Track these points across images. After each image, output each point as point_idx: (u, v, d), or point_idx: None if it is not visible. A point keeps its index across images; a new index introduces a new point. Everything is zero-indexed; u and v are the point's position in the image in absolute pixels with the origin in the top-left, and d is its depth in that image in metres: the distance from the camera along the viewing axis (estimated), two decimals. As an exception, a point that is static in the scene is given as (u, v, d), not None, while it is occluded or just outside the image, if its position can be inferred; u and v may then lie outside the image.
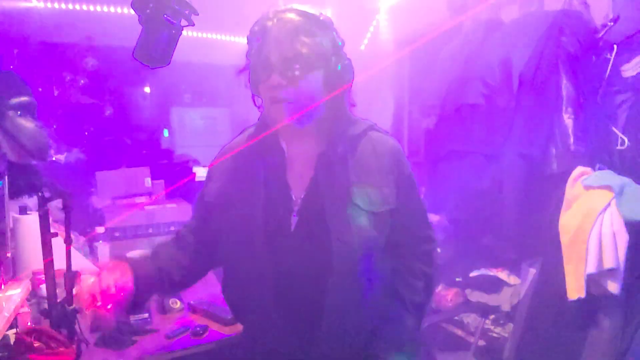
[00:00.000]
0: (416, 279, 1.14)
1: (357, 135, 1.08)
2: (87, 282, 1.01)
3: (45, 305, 1.41)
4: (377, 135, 1.11)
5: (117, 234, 2.48)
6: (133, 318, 1.61)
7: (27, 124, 1.88)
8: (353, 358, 1.08)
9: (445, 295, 2.38)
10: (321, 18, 1.03)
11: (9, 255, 1.63)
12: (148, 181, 2.97)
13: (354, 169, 1.04)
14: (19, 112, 1.87)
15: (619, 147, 1.84)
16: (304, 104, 1.01)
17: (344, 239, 1.00)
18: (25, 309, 1.47)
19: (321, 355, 1.05)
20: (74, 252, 1.50)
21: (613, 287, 1.62)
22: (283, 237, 1.04)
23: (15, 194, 1.81)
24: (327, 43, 1.02)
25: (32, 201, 1.84)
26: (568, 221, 1.78)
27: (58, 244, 1.38)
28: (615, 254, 1.62)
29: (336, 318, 1.02)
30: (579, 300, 1.68)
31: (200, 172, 3.16)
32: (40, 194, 1.35)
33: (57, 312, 1.34)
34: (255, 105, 1.12)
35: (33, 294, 1.62)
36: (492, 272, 2.29)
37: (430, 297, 1.19)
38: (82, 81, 3.79)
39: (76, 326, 1.37)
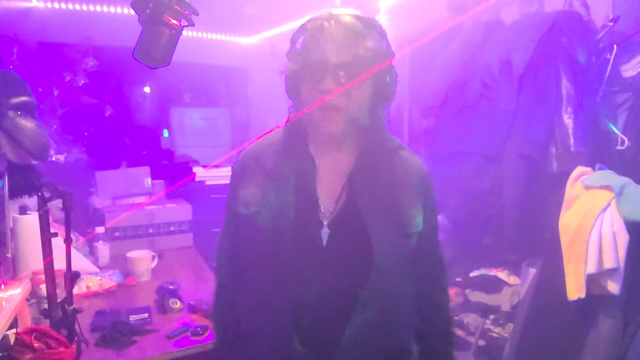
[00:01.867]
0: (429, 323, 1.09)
1: (390, 152, 1.04)
2: None
3: (45, 305, 1.41)
4: (407, 154, 1.07)
5: (117, 234, 2.48)
6: (133, 318, 1.61)
7: (27, 124, 1.88)
8: None
9: (445, 295, 2.38)
10: (377, 25, 0.98)
11: (9, 255, 1.63)
12: (148, 181, 2.97)
13: (387, 186, 1.00)
14: (19, 112, 1.86)
15: (619, 147, 1.84)
16: (353, 113, 0.96)
17: (385, 255, 0.96)
18: (25, 309, 1.47)
19: None
20: (74, 252, 1.50)
21: (613, 287, 1.62)
22: (314, 252, 0.98)
23: (15, 194, 1.81)
24: (382, 51, 0.97)
25: (32, 201, 1.83)
26: (568, 221, 1.78)
27: (58, 244, 1.38)
28: (615, 254, 1.62)
29: (358, 338, 0.96)
30: (579, 300, 1.68)
31: (200, 172, 3.16)
32: (40, 194, 1.35)
33: (57, 312, 1.34)
34: (291, 110, 1.06)
35: (33, 294, 1.62)
36: (492, 272, 2.29)
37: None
38: (82, 81, 3.79)
39: (76, 326, 1.37)
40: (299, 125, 1.03)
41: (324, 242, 0.98)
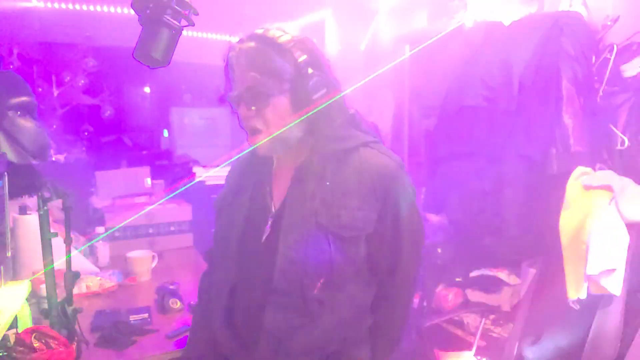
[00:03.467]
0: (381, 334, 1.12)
1: (344, 151, 1.04)
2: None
3: (45, 305, 1.41)
4: (370, 153, 1.05)
5: (117, 234, 2.48)
6: (133, 318, 1.61)
7: (27, 124, 1.87)
8: None
9: (445, 295, 2.38)
10: (280, 40, 1.01)
11: (9, 255, 1.63)
12: (148, 181, 2.97)
13: (330, 186, 1.00)
14: (19, 112, 1.86)
15: (619, 147, 1.84)
16: (274, 130, 1.02)
17: (291, 258, 0.98)
18: (25, 309, 1.47)
19: None
20: (74, 252, 1.50)
21: (613, 287, 1.62)
22: (254, 247, 1.06)
23: (15, 194, 1.80)
24: (286, 66, 1.00)
25: (32, 201, 1.83)
26: (568, 221, 1.78)
27: (58, 244, 1.38)
28: (615, 254, 1.62)
29: (273, 339, 1.00)
30: (579, 300, 1.68)
31: (200, 172, 3.16)
32: (40, 194, 1.35)
33: (57, 312, 1.34)
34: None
35: (33, 294, 1.62)
36: (492, 272, 2.29)
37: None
38: (82, 81, 3.80)
39: (76, 326, 1.37)
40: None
41: (263, 239, 1.05)
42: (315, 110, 1.03)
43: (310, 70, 1.01)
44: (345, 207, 0.99)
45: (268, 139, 1.03)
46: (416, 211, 1.09)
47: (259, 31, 1.03)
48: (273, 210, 1.07)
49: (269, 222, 1.06)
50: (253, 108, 1.01)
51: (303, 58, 1.01)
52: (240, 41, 1.04)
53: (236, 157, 1.25)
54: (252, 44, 1.02)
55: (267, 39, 1.02)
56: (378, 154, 1.06)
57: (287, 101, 1.02)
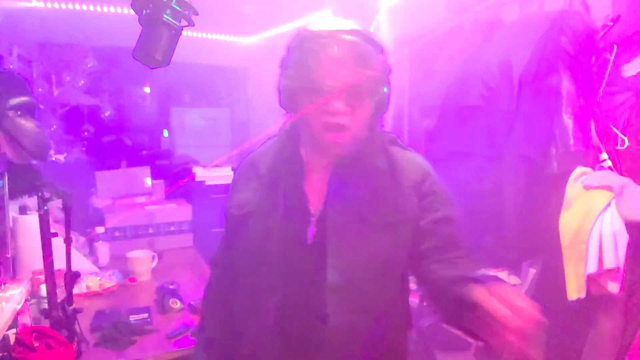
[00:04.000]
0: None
1: (377, 148, 1.05)
2: None
3: (45, 305, 1.41)
4: (395, 150, 1.08)
5: (117, 234, 2.49)
6: (133, 318, 1.61)
7: (27, 124, 1.88)
8: None
9: (445, 295, 2.38)
10: (376, 41, 0.98)
11: (9, 255, 1.63)
12: (148, 181, 2.97)
13: (369, 182, 1.01)
14: (19, 112, 1.86)
15: (619, 147, 1.84)
16: (357, 131, 0.98)
17: (347, 249, 0.97)
18: (25, 309, 1.47)
19: None
20: (74, 252, 1.50)
21: (613, 287, 1.62)
22: (299, 249, 1.00)
23: (15, 194, 1.80)
24: (383, 69, 0.98)
25: (32, 201, 1.83)
26: (568, 221, 1.78)
27: (58, 244, 1.38)
28: (615, 254, 1.62)
29: (339, 339, 0.97)
30: (579, 300, 1.68)
31: (200, 172, 3.16)
32: (40, 194, 1.35)
33: (57, 312, 1.34)
34: (289, 117, 1.07)
35: (33, 294, 1.62)
36: (492, 272, 2.29)
37: None
38: (82, 81, 3.79)
39: (76, 326, 1.37)
40: (292, 130, 1.07)
41: (309, 240, 1.00)
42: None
43: (389, 84, 1.01)
44: (386, 198, 1.00)
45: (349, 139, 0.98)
46: (443, 188, 1.09)
47: (353, 25, 0.96)
48: (311, 209, 1.02)
49: (312, 222, 1.01)
50: (350, 104, 0.94)
51: (385, 59, 1.00)
52: (335, 31, 0.94)
53: (245, 160, 1.17)
54: (355, 38, 0.94)
55: (369, 37, 0.97)
56: (403, 150, 1.09)
57: (373, 105, 1.00)
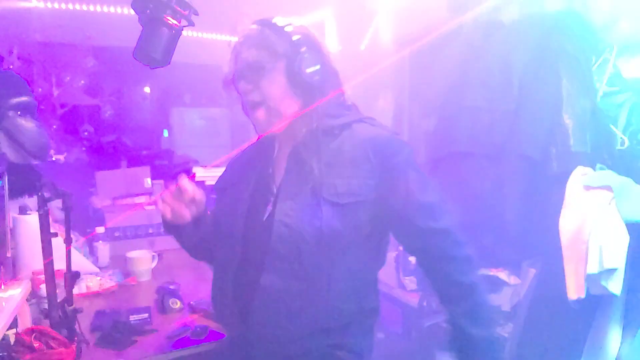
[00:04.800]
0: (449, 286, 1.09)
1: (337, 127, 1.11)
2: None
3: (45, 305, 1.41)
4: (362, 127, 1.13)
5: (117, 234, 2.48)
6: (133, 318, 1.61)
7: (27, 124, 1.88)
8: (294, 349, 1.08)
9: (445, 295, 2.38)
10: (277, 22, 1.12)
11: (9, 255, 1.63)
12: (148, 181, 2.97)
13: (325, 159, 1.07)
14: (19, 112, 1.86)
15: (619, 147, 1.84)
16: (274, 103, 1.09)
17: (286, 223, 1.05)
18: (26, 309, 1.47)
19: (259, 342, 1.09)
20: (74, 252, 1.50)
21: (613, 287, 1.62)
22: (255, 226, 1.11)
23: (15, 194, 1.80)
24: (280, 42, 1.09)
25: (32, 201, 1.83)
26: (568, 221, 1.78)
27: (58, 244, 1.38)
28: (615, 254, 1.62)
29: (270, 303, 1.05)
30: (579, 300, 1.68)
31: (200, 172, 3.16)
32: (40, 194, 1.35)
33: (57, 312, 1.34)
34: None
35: (33, 294, 1.62)
36: (492, 272, 2.29)
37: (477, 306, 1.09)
38: (82, 81, 3.79)
39: (76, 326, 1.37)
40: (255, 128, 1.19)
41: (265, 217, 1.10)
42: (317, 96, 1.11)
43: (304, 48, 1.09)
44: (341, 176, 1.06)
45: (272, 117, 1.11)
46: (419, 170, 1.12)
47: (260, 20, 1.14)
48: (275, 190, 1.13)
49: (271, 201, 1.12)
50: (251, 80, 1.08)
51: (297, 37, 1.10)
52: (244, 30, 1.13)
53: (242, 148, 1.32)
54: (254, 26, 1.12)
55: (266, 21, 1.12)
56: (371, 127, 1.14)
57: (283, 75, 1.09)
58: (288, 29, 1.11)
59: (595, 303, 1.70)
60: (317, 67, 1.09)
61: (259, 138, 1.22)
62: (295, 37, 1.09)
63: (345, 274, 1.07)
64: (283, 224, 1.05)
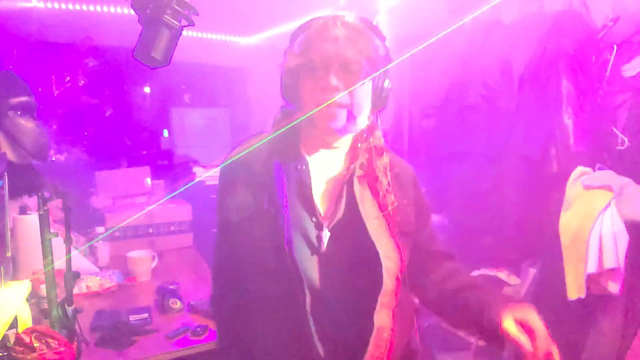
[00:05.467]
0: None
1: (383, 150, 1.05)
2: None
3: (45, 305, 1.41)
4: (393, 156, 1.10)
5: (117, 234, 2.48)
6: (133, 318, 1.61)
7: (27, 124, 1.88)
8: None
9: (445, 295, 2.38)
10: (378, 29, 1.01)
11: (9, 255, 1.63)
12: (148, 181, 2.97)
13: (380, 193, 1.01)
14: (19, 112, 1.86)
15: (619, 147, 1.84)
16: (354, 111, 0.96)
17: (390, 257, 0.95)
18: (25, 309, 1.47)
19: None
20: (74, 252, 1.50)
21: (613, 287, 1.62)
22: (313, 255, 0.96)
23: (15, 194, 1.80)
24: (383, 54, 0.99)
25: (32, 201, 1.83)
26: (568, 221, 1.78)
27: (58, 244, 1.38)
28: (615, 254, 1.62)
29: (379, 338, 0.95)
30: (579, 300, 1.68)
31: (200, 173, 3.16)
32: (40, 194, 1.35)
33: (57, 312, 1.34)
34: (281, 111, 1.05)
35: (33, 294, 1.62)
36: (492, 272, 2.29)
37: None
38: (82, 81, 3.79)
39: (76, 326, 1.37)
40: (290, 127, 1.02)
41: (324, 246, 0.96)
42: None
43: (388, 73, 1.01)
44: (399, 206, 1.01)
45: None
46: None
47: (355, 16, 0.99)
48: (322, 212, 0.98)
49: (325, 227, 0.97)
50: (348, 80, 0.94)
51: (389, 54, 1.02)
52: (338, 15, 0.98)
53: (234, 160, 1.06)
54: (354, 20, 0.97)
55: (370, 23, 1.00)
56: (398, 157, 1.11)
57: (371, 89, 0.99)
58: (383, 36, 1.01)
59: (595, 303, 1.70)
60: (390, 88, 1.02)
61: (278, 147, 1.01)
62: (386, 50, 1.01)
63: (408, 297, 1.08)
64: (386, 257, 0.94)
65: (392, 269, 0.95)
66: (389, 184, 1.01)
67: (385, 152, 1.04)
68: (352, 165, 1.01)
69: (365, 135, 1.03)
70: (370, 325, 0.93)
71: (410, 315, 1.07)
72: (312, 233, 0.97)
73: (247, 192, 1.00)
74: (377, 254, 0.94)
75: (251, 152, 1.04)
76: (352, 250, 0.96)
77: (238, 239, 1.02)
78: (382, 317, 0.94)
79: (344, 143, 1.03)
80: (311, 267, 0.95)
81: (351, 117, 0.96)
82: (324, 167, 1.02)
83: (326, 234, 0.97)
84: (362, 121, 1.00)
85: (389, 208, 0.98)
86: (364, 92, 0.97)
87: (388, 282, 0.94)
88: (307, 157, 1.01)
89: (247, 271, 1.02)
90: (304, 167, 1.00)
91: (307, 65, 0.96)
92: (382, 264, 0.93)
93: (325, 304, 0.95)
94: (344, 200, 0.99)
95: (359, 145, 1.02)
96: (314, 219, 0.97)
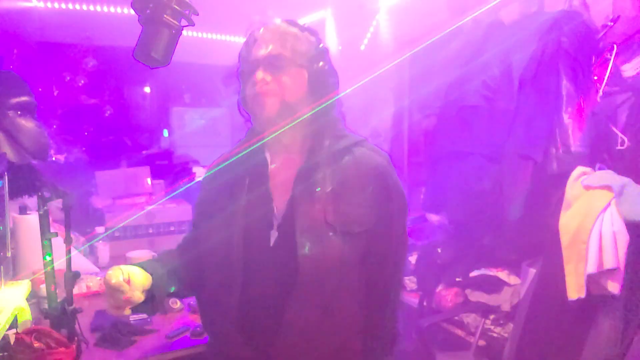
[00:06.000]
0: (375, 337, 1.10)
1: (341, 150, 1.07)
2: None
3: (45, 305, 1.41)
4: (363, 152, 1.08)
5: (117, 234, 2.48)
6: (133, 318, 1.61)
7: (27, 124, 1.88)
8: None
9: (445, 295, 2.38)
10: (305, 25, 1.11)
11: (9, 255, 1.63)
12: (148, 181, 2.97)
13: (333, 185, 1.03)
14: (19, 112, 1.87)
15: (619, 147, 1.84)
16: (286, 98, 1.04)
17: (309, 258, 0.98)
18: (26, 309, 1.47)
19: None
20: (74, 252, 1.50)
21: (613, 287, 1.62)
22: (260, 251, 1.04)
23: (15, 194, 1.81)
24: (310, 45, 1.08)
25: (32, 201, 1.84)
26: (568, 221, 1.78)
27: (58, 244, 1.38)
28: (615, 254, 1.62)
29: (293, 337, 1.01)
30: (579, 300, 1.68)
31: (200, 173, 3.16)
32: (40, 194, 1.35)
33: (57, 312, 1.34)
34: (244, 116, 1.14)
35: (33, 294, 1.62)
36: (492, 272, 2.29)
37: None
38: (82, 81, 3.80)
39: (76, 326, 1.37)
40: (256, 133, 1.12)
41: (271, 243, 1.04)
42: (326, 102, 1.08)
43: (324, 60, 1.09)
44: (350, 204, 1.03)
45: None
46: (404, 201, 1.12)
47: (281, 19, 1.11)
48: (275, 211, 1.05)
49: (275, 225, 1.04)
50: (272, 71, 1.04)
51: (322, 45, 1.10)
52: (265, 22, 1.10)
53: (216, 162, 1.22)
54: (278, 22, 1.09)
55: (292, 22, 1.10)
56: (371, 153, 1.10)
57: (304, 78, 1.06)
58: (313, 33, 1.11)
59: (595, 303, 1.70)
60: (335, 79, 1.11)
61: (242, 148, 1.13)
62: (321, 45, 1.10)
63: (353, 300, 1.06)
64: (306, 260, 0.98)
65: (307, 270, 0.98)
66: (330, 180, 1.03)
67: (343, 148, 1.07)
68: (302, 165, 1.06)
69: (317, 134, 1.08)
70: (286, 319, 0.99)
71: (347, 317, 1.05)
72: (264, 231, 1.05)
73: (216, 192, 1.14)
74: (308, 250, 0.99)
75: (229, 157, 1.16)
76: (291, 248, 1.01)
77: (204, 230, 1.14)
78: (291, 315, 1.00)
79: (301, 142, 1.09)
80: (257, 262, 1.04)
81: (282, 102, 1.03)
82: (283, 168, 1.09)
83: (274, 232, 1.04)
84: (299, 106, 1.06)
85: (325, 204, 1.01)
86: (294, 79, 1.05)
87: (303, 281, 0.99)
88: (269, 160, 1.11)
89: (205, 260, 1.12)
90: (263, 168, 1.10)
91: (242, 72, 1.10)
92: (296, 264, 0.98)
93: (255, 298, 1.03)
94: (289, 199, 1.05)
95: (309, 141, 1.08)
96: (267, 218, 1.06)
